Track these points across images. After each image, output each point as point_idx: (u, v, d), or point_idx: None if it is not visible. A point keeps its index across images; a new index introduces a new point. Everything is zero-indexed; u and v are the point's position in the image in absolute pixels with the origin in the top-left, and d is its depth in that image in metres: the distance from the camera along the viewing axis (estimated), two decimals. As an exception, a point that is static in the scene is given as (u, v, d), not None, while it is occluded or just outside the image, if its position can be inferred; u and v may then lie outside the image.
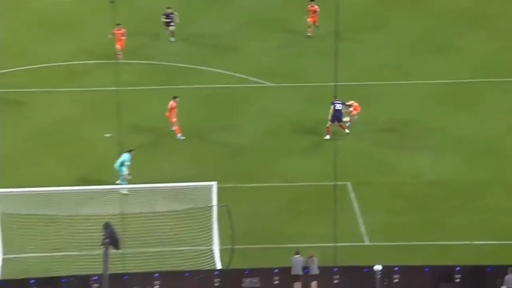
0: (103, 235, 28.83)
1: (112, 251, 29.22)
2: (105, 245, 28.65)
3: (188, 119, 43.07)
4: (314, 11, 49.56)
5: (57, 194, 35.27)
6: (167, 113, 41.99)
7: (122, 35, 47.12)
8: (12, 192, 34.94)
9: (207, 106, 44.26)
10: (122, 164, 38.15)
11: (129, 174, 37.89)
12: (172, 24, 49.26)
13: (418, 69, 47.82)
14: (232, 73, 45.90)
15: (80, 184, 37.23)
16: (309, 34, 49.38)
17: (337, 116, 41.62)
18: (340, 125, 41.69)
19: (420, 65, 48.21)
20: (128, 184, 37.43)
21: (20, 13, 51.85)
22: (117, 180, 38.26)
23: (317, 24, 49.53)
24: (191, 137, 42.29)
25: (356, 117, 42.83)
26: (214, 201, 35.28)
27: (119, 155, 38.39)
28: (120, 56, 46.76)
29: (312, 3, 49.79)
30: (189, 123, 42.91)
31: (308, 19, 49.52)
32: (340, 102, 41.71)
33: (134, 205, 35.67)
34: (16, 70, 46.41)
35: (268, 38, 50.37)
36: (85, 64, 47.45)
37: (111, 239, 28.75)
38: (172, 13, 49.42)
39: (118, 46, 46.54)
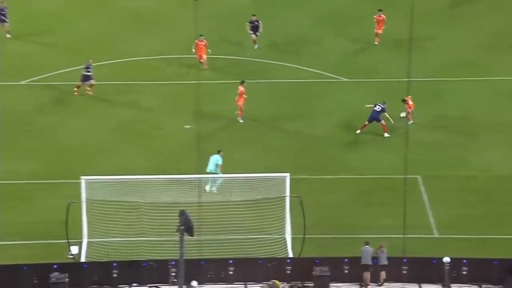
0: (179, 222, 29.73)
1: (187, 237, 30.10)
2: (181, 231, 29.56)
3: (264, 112, 43.75)
4: (382, 21, 48.22)
5: (138, 182, 36.09)
6: (236, 98, 42.50)
7: (205, 46, 46.62)
8: (97, 179, 35.94)
9: (284, 100, 44.73)
10: (215, 166, 38.24)
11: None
12: (257, 33, 48.73)
13: (491, 66, 47.61)
14: (309, 69, 46.32)
15: (160, 173, 37.79)
16: (376, 43, 48.25)
17: (373, 116, 41.85)
18: (381, 125, 41.82)
19: (493, 62, 48.00)
20: (207, 174, 37.97)
21: (105, 10, 52.86)
22: (210, 181, 37.77)
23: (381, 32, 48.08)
24: (267, 129, 42.91)
25: (413, 114, 42.68)
26: (287, 192, 35.74)
27: (197, 147, 38.87)
28: (206, 65, 46.46)
29: (380, 12, 48.33)
30: (266, 116, 43.55)
31: (376, 29, 48.22)
32: (382, 105, 41.94)
33: (211, 194, 36.59)
34: (101, 64, 47.31)
35: (344, 35, 50.62)
36: (167, 59, 48.12)
37: (186, 226, 29.63)
38: (257, 21, 48.64)
39: (200, 57, 46.21)
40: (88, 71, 44.84)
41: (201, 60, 46.53)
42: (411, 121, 42.81)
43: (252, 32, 48.49)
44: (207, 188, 37.36)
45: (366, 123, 42.25)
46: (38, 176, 39.40)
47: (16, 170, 39.74)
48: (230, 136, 42.39)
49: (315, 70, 47.18)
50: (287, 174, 36.02)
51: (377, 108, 42.27)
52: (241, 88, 42.89)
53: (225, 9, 52.81)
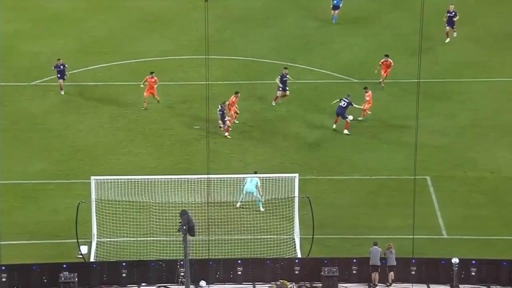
0: (180, 222, 29.51)
1: (193, 237, 29.89)
2: (183, 231, 29.34)
3: (272, 112, 43.66)
4: (389, 65, 45.25)
5: (148, 182, 36.09)
6: (228, 106, 41.37)
7: (155, 83, 43.50)
8: (106, 179, 35.93)
9: (293, 100, 44.45)
10: (255, 188, 37.09)
11: (262, 195, 37.26)
12: (287, 88, 44.08)
13: (500, 67, 47.36)
14: (319, 69, 46.13)
15: (170, 173, 37.82)
16: (382, 85, 45.25)
17: (338, 112, 41.53)
18: (346, 122, 41.49)
19: (503, 63, 47.74)
20: (215, 174, 37.67)
21: (116, 11, 52.85)
22: (240, 198, 37.14)
23: (388, 75, 45.43)
24: (277, 130, 42.81)
25: (369, 112, 42.60)
26: (296, 192, 35.70)
27: (206, 148, 38.51)
28: (146, 104, 43.26)
29: (387, 57, 45.21)
30: (273, 117, 43.48)
31: (382, 72, 45.29)
32: (347, 100, 41.48)
33: (220, 194, 36.39)
34: (112, 65, 47.40)
35: (354, 35, 50.46)
36: (178, 59, 48.05)
37: (188, 226, 29.40)
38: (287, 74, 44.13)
39: (151, 94, 43.25)
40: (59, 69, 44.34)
41: (156, 98, 43.13)
42: (362, 118, 42.51)
43: (281, 86, 43.92)
44: (238, 204, 37.00)
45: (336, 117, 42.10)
46: (48, 176, 39.44)
47: (26, 170, 39.81)
48: (240, 136, 42.27)
49: (325, 71, 47.05)
50: (296, 175, 36.02)
51: (342, 103, 41.81)
52: (234, 99, 41.80)
53: (236, 10, 52.77)
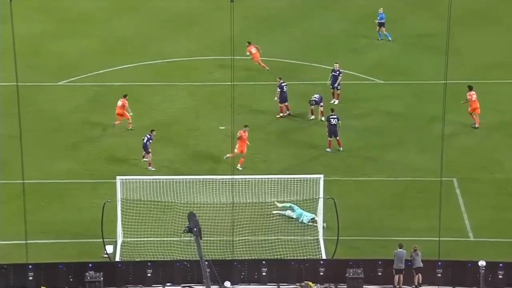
0: (190, 224, 29.67)
1: (219, 238, 29.85)
2: (195, 233, 29.52)
3: (299, 113, 43.68)
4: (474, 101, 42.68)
5: (173, 182, 36.23)
6: (238, 143, 39.73)
7: (123, 107, 42.08)
8: (132, 179, 36.11)
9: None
10: (302, 215, 36.92)
11: (313, 221, 36.87)
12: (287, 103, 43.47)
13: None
14: (344, 70, 45.89)
15: (195, 174, 38.06)
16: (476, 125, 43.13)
17: (332, 131, 40.79)
18: (337, 140, 40.93)
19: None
20: (239, 174, 37.89)
21: (142, 11, 53.03)
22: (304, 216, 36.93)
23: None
24: (301, 130, 42.89)
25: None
26: (321, 193, 35.72)
27: (231, 148, 38.93)
28: (118, 123, 41.93)
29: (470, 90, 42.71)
30: (300, 117, 43.48)
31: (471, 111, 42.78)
32: (335, 116, 40.99)
33: (245, 195, 36.50)
34: (137, 65, 47.67)
35: (377, 36, 50.31)
36: (203, 60, 48.23)
37: (196, 229, 29.58)
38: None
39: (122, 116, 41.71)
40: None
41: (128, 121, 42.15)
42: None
43: (279, 100, 43.31)
44: (292, 214, 36.84)
45: (328, 138, 41.25)
46: (74, 176, 39.66)
47: (52, 170, 40.06)
48: (265, 136, 42.41)
49: (350, 71, 46.98)
50: (321, 176, 36.00)
51: (333, 121, 40.96)
52: (243, 133, 39.87)
53: (261, 10, 52.83)
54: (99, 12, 52.87)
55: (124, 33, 50.84)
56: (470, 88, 42.83)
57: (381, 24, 50.20)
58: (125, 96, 42.79)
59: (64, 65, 47.75)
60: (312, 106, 43.27)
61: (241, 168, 39.51)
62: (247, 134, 40.07)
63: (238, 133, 39.58)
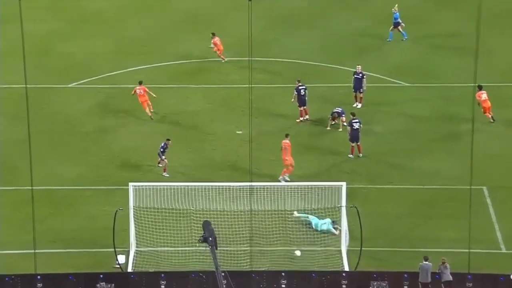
0: (205, 233, 29.04)
1: (236, 248, 29.39)
2: (211, 243, 28.89)
3: (320, 117, 43.24)
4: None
5: (189, 189, 35.83)
6: (283, 154, 39.23)
7: (146, 92, 42.96)
8: (145, 186, 35.70)
9: (340, 104, 43.77)
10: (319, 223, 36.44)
11: (337, 229, 36.26)
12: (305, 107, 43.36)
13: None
14: (368, 73, 45.47)
15: (211, 179, 37.75)
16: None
17: (354, 136, 40.48)
18: (358, 146, 40.59)
19: None
20: (258, 181, 37.32)
21: (156, 11, 52.90)
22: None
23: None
24: (322, 135, 42.38)
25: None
26: (344, 202, 35.17)
27: (249, 153, 37.14)
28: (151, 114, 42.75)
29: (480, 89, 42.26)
30: (320, 121, 43.06)
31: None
32: (357, 120, 40.72)
33: (263, 202, 35.93)
34: (152, 66, 47.47)
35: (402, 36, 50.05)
36: (219, 61, 48.01)
37: (212, 238, 28.92)
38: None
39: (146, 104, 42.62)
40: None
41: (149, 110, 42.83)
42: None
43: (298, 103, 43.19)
44: (296, 214, 36.35)
45: (351, 144, 40.90)
46: (85, 182, 39.39)
47: (62, 175, 39.82)
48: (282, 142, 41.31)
49: (374, 74, 46.52)
50: (343, 183, 35.43)
51: (356, 125, 40.63)
52: (286, 143, 39.61)
53: (281, 10, 52.63)
54: (112, 12, 52.88)
55: (137, 33, 50.84)
56: (480, 88, 41.92)
57: (396, 24, 49.43)
58: (140, 83, 43.44)
59: (74, 66, 47.76)
60: (335, 120, 42.50)
61: (288, 179, 38.91)
62: (289, 143, 39.58)
63: (282, 144, 39.26)
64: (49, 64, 47.62)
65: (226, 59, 47.57)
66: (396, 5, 49.62)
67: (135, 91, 43.50)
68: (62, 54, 48.76)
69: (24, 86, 32.59)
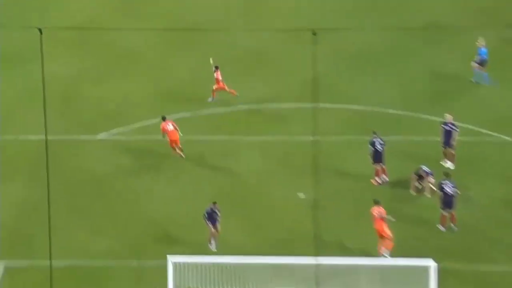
0: None
1: None
2: None
3: (397, 176, 42.47)
4: None
5: (239, 266, 35.25)
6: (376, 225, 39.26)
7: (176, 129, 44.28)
8: (187, 261, 35.07)
9: (422, 162, 42.78)
10: None
11: None
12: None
13: None
14: (456, 123, 44.27)
15: (266, 255, 36.58)
16: None
17: (447, 202, 39.75)
18: (451, 215, 39.84)
19: None
20: (325, 256, 35.86)
21: (200, 47, 52.73)
22: None
23: None
24: (401, 200, 41.50)
25: None
26: (432, 287, 33.93)
27: (313, 222, 37.72)
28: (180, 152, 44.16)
29: None
30: (400, 182, 42.31)
31: None
32: (451, 184, 39.77)
33: (332, 284, 34.73)
34: (193, 116, 47.12)
35: (505, 80, 49.07)
36: (277, 108, 48.01)
37: None
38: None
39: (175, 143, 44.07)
40: None
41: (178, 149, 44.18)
42: None
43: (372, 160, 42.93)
44: None
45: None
46: (114, 255, 39.09)
47: (87, 248, 39.48)
48: (356, 208, 41.12)
49: (466, 124, 45.73)
50: (432, 263, 34.08)
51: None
52: (379, 212, 39.16)
53: (350, 45, 52.28)
54: (150, 49, 52.94)
55: (181, 74, 50.59)
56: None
57: (482, 62, 48.13)
58: (164, 119, 44.20)
59: (104, 113, 47.61)
60: (421, 182, 41.55)
61: (386, 255, 38.11)
62: (382, 210, 39.00)
63: (372, 213, 38.86)
64: (74, 111, 47.68)
65: (237, 94, 47.96)
66: (480, 38, 48.29)
67: (164, 130, 43.81)
68: (89, 99, 48.82)
69: (44, 137, 32.79)
